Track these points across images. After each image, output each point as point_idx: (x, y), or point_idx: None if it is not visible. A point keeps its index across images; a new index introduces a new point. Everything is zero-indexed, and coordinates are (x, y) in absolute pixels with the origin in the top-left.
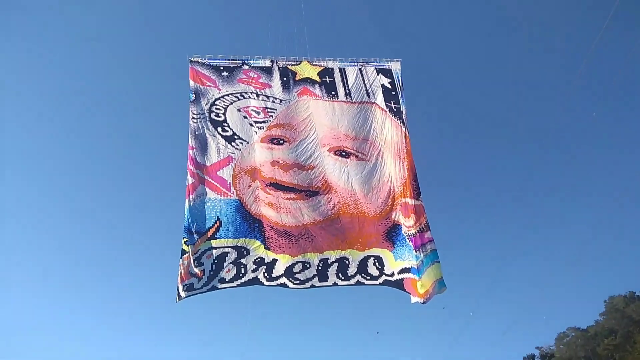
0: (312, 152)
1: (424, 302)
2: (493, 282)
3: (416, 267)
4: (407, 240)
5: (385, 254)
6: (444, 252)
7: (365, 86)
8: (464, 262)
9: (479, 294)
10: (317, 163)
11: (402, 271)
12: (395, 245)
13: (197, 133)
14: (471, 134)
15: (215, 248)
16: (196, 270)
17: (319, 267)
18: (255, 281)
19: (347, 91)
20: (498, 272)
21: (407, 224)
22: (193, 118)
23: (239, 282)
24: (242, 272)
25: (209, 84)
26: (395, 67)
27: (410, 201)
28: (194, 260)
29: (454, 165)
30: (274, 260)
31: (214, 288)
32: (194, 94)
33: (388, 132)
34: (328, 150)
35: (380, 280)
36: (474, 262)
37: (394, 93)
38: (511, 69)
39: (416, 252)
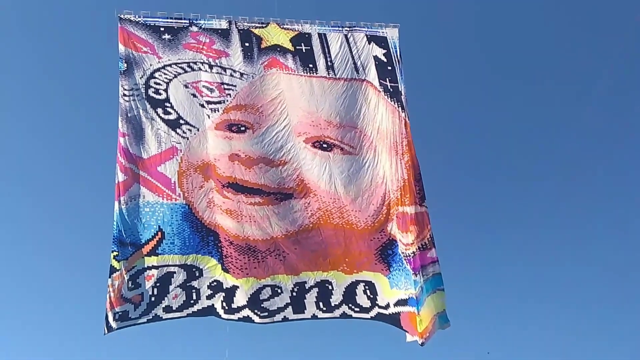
0: (284, 142)
1: (422, 343)
2: (511, 320)
3: (415, 297)
4: (404, 262)
5: (379, 280)
6: (449, 276)
7: (353, 58)
8: (475, 290)
9: (493, 337)
10: (291, 157)
11: (398, 303)
12: (391, 269)
13: (129, 115)
14: (487, 119)
15: (156, 267)
16: (131, 293)
17: (294, 294)
18: (210, 311)
19: (329, 64)
20: (520, 307)
21: (405, 241)
22: (124, 95)
23: (189, 310)
24: (194, 298)
25: (145, 49)
26: (392, 34)
27: (411, 209)
28: (127, 281)
29: (463, 160)
30: (234, 287)
31: (157, 318)
32: (125, 62)
33: (382, 118)
34: (304, 140)
35: (372, 313)
36: (490, 292)
37: (389, 68)
38: (540, 33)
39: (415, 276)
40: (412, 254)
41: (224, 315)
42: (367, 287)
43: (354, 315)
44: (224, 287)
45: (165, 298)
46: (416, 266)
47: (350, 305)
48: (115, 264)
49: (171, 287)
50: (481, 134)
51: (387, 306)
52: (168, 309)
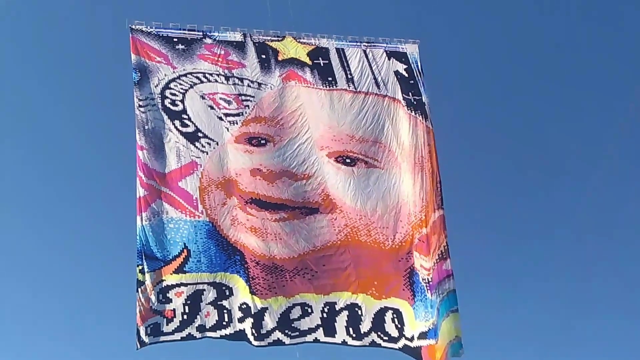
0: (307, 156)
1: None
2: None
3: (433, 326)
4: (425, 290)
5: (406, 309)
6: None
7: (374, 74)
8: (497, 313)
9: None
10: (314, 171)
11: (420, 336)
12: (415, 298)
13: (146, 128)
14: (510, 134)
15: (185, 284)
16: (161, 307)
17: (324, 315)
18: (242, 336)
19: (348, 77)
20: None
21: (427, 266)
22: (140, 106)
23: (222, 332)
24: (227, 319)
25: (158, 59)
26: (412, 50)
27: (430, 221)
28: (157, 294)
29: (484, 173)
30: (263, 310)
31: (191, 337)
32: (139, 71)
33: (406, 134)
34: (327, 155)
35: (400, 344)
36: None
37: (412, 82)
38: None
39: (431, 296)
40: (429, 281)
41: (254, 342)
42: (395, 316)
43: (383, 344)
44: (252, 312)
45: (198, 316)
46: (433, 284)
47: (379, 333)
48: (140, 277)
49: (202, 305)
50: (501, 146)
51: (412, 338)
52: (201, 328)
